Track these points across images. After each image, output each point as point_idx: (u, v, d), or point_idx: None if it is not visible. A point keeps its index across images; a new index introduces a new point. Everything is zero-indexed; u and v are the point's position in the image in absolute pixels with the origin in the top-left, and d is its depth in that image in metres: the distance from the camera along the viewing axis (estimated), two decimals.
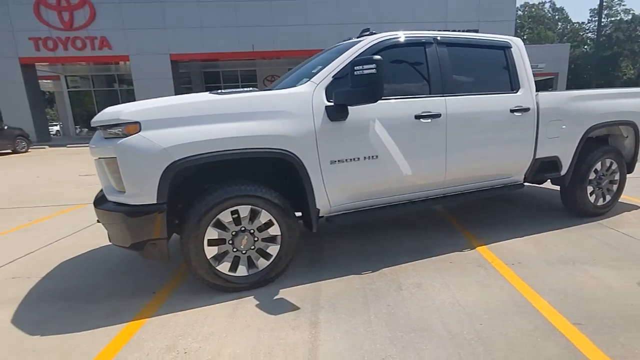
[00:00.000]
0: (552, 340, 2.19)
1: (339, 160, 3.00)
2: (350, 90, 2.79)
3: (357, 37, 3.46)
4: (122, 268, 3.47)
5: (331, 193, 3.05)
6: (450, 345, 2.18)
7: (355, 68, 2.73)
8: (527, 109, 3.64)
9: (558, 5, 72.10)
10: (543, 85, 29.40)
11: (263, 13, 19.65)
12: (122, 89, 24.88)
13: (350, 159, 3.03)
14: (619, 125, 4.25)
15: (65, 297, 2.97)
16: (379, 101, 2.97)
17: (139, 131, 2.55)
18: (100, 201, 2.86)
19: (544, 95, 3.79)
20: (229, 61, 21.87)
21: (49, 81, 27.35)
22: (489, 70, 3.71)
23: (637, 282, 2.80)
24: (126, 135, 2.55)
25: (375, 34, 3.35)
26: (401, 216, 4.70)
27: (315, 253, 3.67)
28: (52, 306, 2.84)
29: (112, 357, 2.21)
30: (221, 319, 2.57)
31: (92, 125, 2.76)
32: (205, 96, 2.85)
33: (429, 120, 3.24)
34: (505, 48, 3.73)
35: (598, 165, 4.15)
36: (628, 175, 4.42)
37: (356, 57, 3.06)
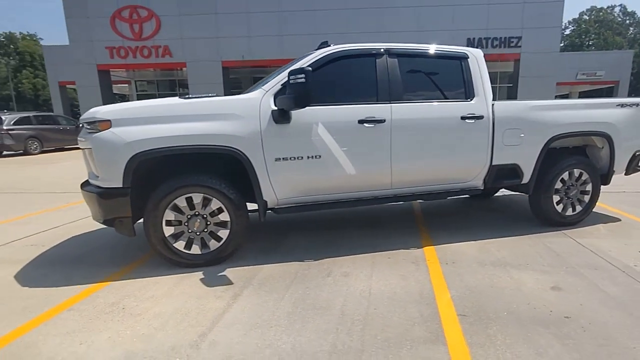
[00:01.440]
0: (426, 325, 2.39)
1: (283, 158, 3.36)
2: (285, 97, 3.16)
3: (316, 49, 3.79)
4: (114, 243, 4.06)
5: (277, 187, 3.41)
6: (335, 322, 2.45)
7: (290, 77, 3.10)
8: (480, 117, 3.75)
9: (630, 9, 65.94)
10: (599, 94, 27.33)
11: (306, 22, 20.30)
12: (181, 92, 26.81)
13: (294, 158, 3.38)
14: (591, 136, 4.19)
15: (59, 262, 3.61)
16: (325, 106, 3.35)
17: (110, 128, 3.09)
18: (84, 184, 3.45)
19: (501, 104, 3.87)
20: (275, 67, 22.80)
21: (124, 85, 30.09)
22: (442, 79, 3.86)
23: (551, 287, 2.86)
24: (100, 131, 3.11)
25: (329, 46, 3.67)
26: (369, 214, 4.94)
27: (274, 242, 4.04)
28: (47, 267, 3.48)
29: (69, 306, 2.74)
30: (166, 286, 3.03)
31: (79, 123, 3.36)
32: (169, 100, 3.35)
33: (373, 125, 3.50)
34: (462, 59, 3.87)
35: (565, 175, 4.12)
36: (630, 190, 4.30)
37: (307, 67, 3.41)
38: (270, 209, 3.59)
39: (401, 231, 4.28)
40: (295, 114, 3.32)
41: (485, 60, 4.03)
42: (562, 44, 57.88)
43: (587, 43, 53.68)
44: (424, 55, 3.83)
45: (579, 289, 2.80)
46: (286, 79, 3.31)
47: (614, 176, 4.33)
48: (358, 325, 2.41)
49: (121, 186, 3.11)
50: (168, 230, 3.28)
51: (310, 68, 3.06)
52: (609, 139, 4.11)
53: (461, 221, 4.65)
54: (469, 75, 3.83)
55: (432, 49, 3.86)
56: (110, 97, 23.90)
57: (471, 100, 3.79)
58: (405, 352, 2.12)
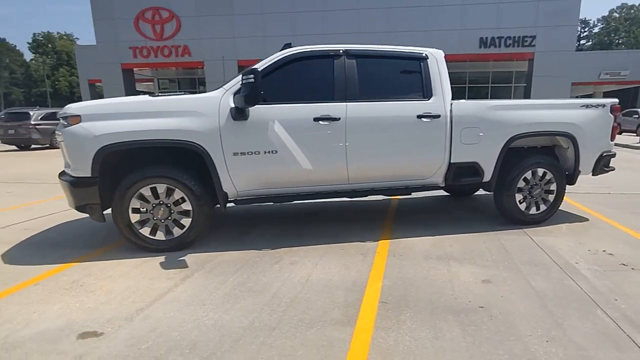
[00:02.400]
0: (345, 310, 2.53)
1: (240, 153, 3.56)
2: (239, 96, 3.36)
3: (280, 51, 3.96)
4: (96, 229, 4.36)
5: (236, 180, 3.62)
6: (264, 303, 2.63)
7: (243, 77, 3.30)
8: (437, 116, 3.84)
9: None
10: (625, 94, 26.21)
11: (318, 22, 20.45)
12: (200, 90, 27.47)
13: (251, 153, 3.57)
14: (555, 137, 4.20)
15: (43, 244, 3.94)
16: (281, 105, 3.55)
17: (80, 122, 3.37)
18: (61, 174, 3.75)
19: (459, 103, 3.94)
20: None
21: (149, 83, 31.09)
22: (401, 79, 3.98)
23: (482, 280, 2.95)
24: (71, 125, 3.39)
25: (292, 47, 3.84)
26: (343, 207, 5.09)
27: (241, 232, 4.25)
28: (30, 248, 3.81)
29: (36, 281, 3.03)
30: (126, 268, 3.28)
31: (58, 117, 3.66)
32: (137, 98, 3.61)
33: (328, 123, 3.65)
34: (421, 59, 3.97)
35: (528, 174, 4.15)
36: (623, 192, 4.30)
37: (263, 68, 3.62)
38: (231, 200, 3.79)
39: (367, 225, 4.41)
40: (253, 111, 3.52)
41: (498, 60, 4.12)
42: (589, 42, 55.89)
43: (616, 41, 51.58)
44: (382, 56, 3.94)
45: (508, 283, 2.88)
46: None
47: (601, 176, 4.35)
48: (283, 307, 2.58)
49: (90, 176, 3.39)
50: (134, 217, 3.53)
51: (259, 69, 3.25)
52: (573, 139, 4.11)
53: (431, 218, 4.73)
54: (428, 76, 3.92)
55: (391, 50, 3.97)
56: (133, 95, 24.80)
57: (429, 99, 3.88)
58: (313, 331, 2.28)
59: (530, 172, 4.14)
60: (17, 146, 16.14)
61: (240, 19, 21.88)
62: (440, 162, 3.95)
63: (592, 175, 4.38)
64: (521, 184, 4.16)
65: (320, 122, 3.64)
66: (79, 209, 3.55)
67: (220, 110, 3.50)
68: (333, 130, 3.68)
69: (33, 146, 15.90)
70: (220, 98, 3.54)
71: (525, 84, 20.96)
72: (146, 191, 3.50)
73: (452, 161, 3.96)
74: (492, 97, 21.38)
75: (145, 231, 3.58)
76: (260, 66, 3.66)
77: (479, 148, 3.97)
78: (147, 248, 3.60)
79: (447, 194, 5.85)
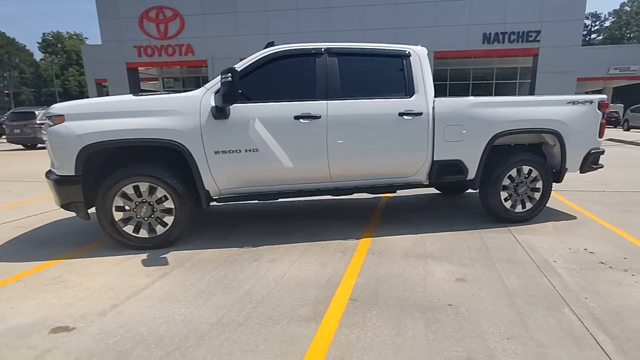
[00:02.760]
0: (314, 307, 2.56)
1: (222, 151, 3.60)
2: (218, 95, 3.40)
3: (263, 48, 3.99)
4: (86, 227, 4.44)
5: (217, 178, 3.66)
6: (235, 300, 2.67)
7: (222, 76, 3.34)
8: (419, 113, 3.84)
9: None
10: (636, 89, 25.68)
11: (322, 19, 20.43)
12: None
13: (232, 151, 3.61)
14: (541, 134, 4.18)
15: (32, 242, 4.03)
16: (262, 103, 3.59)
17: (64, 122, 3.44)
18: (47, 173, 3.83)
19: (442, 100, 3.94)
20: None
21: (156, 82, 31.33)
22: (383, 77, 3.98)
23: (456, 278, 2.96)
24: (55, 124, 3.46)
25: (274, 45, 3.88)
26: (332, 205, 5.11)
27: (228, 229, 4.30)
28: (20, 246, 3.90)
29: (20, 277, 3.11)
30: (108, 265, 3.35)
31: (44, 117, 3.73)
32: (120, 97, 3.67)
33: (308, 121, 3.68)
34: (404, 57, 3.97)
35: (513, 172, 4.13)
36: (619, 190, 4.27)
37: (244, 67, 3.66)
38: (214, 198, 3.84)
39: (352, 222, 4.44)
40: (234, 110, 3.56)
41: (503, 56, 4.12)
42: (600, 37, 54.91)
43: (628, 35, 50.62)
44: (364, 54, 3.96)
45: (481, 281, 2.88)
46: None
47: (600, 174, 4.32)
48: (253, 304, 2.63)
49: (73, 174, 3.46)
50: (118, 215, 3.60)
51: (238, 68, 3.29)
52: (559, 136, 4.09)
53: (418, 215, 4.73)
54: (410, 73, 3.92)
55: (373, 47, 3.98)
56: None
57: (411, 97, 3.89)
58: (278, 327, 2.32)
59: (515, 169, 4.13)
60: (24, 145, 16.42)
61: (244, 16, 21.98)
62: (422, 159, 3.95)
63: (580, 172, 4.35)
64: (506, 181, 4.15)
65: (301, 120, 3.67)
66: (64, 207, 3.62)
67: (202, 109, 3.54)
68: (314, 128, 3.70)
69: (39, 145, 16.15)
70: (202, 97, 3.58)
71: (530, 80, 20.75)
72: (129, 189, 3.56)
73: (435, 159, 3.97)
74: (496, 94, 21.20)
75: (129, 229, 3.64)
76: (240, 65, 3.71)
77: (463, 146, 3.97)
78: (130, 245, 3.67)
79: (437, 191, 5.84)
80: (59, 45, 73.86)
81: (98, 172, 3.65)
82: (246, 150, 3.63)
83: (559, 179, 4.31)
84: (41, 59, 74.28)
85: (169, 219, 3.68)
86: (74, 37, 75.42)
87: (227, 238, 4.03)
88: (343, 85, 3.80)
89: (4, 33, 68.78)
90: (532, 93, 19.26)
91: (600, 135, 4.25)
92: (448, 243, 3.71)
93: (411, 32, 18.24)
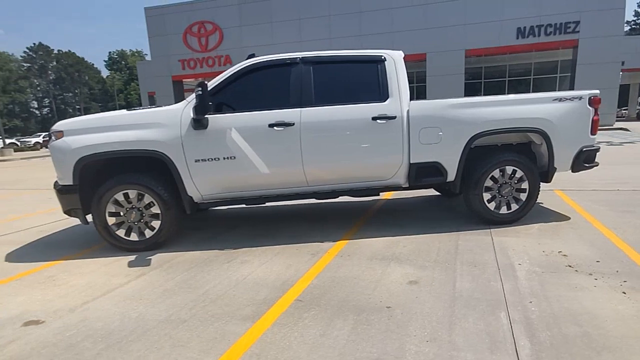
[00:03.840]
0: (258, 306, 2.66)
1: (202, 160, 3.81)
2: (193, 107, 3.61)
3: (245, 59, 4.15)
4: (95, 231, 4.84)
5: (199, 185, 3.87)
6: (192, 299, 2.84)
7: (196, 90, 3.54)
8: (392, 117, 3.83)
9: None
10: None
11: (352, 24, 20.44)
12: None
13: (211, 159, 3.81)
14: (526, 133, 4.00)
15: (45, 245, 4.46)
16: (237, 113, 3.78)
17: (63, 137, 3.80)
18: (54, 183, 4.23)
19: (417, 103, 3.90)
20: None
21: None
22: (358, 83, 3.99)
23: (409, 281, 2.94)
24: (56, 139, 3.84)
25: (255, 57, 4.04)
26: (327, 208, 5.18)
27: (218, 232, 4.51)
28: (33, 248, 4.34)
29: (19, 277, 3.48)
30: (97, 265, 3.65)
31: (49, 133, 4.15)
32: (112, 113, 3.99)
33: (282, 129, 3.79)
34: (378, 62, 3.97)
35: (496, 173, 3.99)
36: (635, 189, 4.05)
37: (222, 80, 3.86)
38: (197, 203, 4.05)
39: (338, 224, 4.50)
40: (212, 120, 3.75)
41: (540, 50, 4.04)
42: None
43: None
44: (338, 62, 4.01)
45: (433, 284, 2.84)
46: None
47: (620, 171, 4.11)
48: (206, 303, 2.78)
49: (72, 184, 3.81)
50: (111, 220, 3.91)
51: (205, 82, 3.48)
52: (544, 135, 3.90)
53: (408, 217, 4.69)
54: (385, 78, 3.92)
55: (347, 54, 4.02)
56: None
57: (385, 101, 3.88)
58: (215, 325, 2.45)
59: (498, 170, 3.98)
60: None
61: (279, 26, 22.53)
62: (398, 162, 3.93)
63: (572, 172, 4.11)
64: (489, 182, 4.01)
65: (275, 127, 3.79)
66: (67, 212, 4.00)
67: (182, 121, 3.77)
68: (288, 135, 3.81)
69: None
70: (182, 110, 3.81)
71: (570, 73, 19.46)
72: (120, 197, 3.86)
73: (411, 161, 3.93)
74: (534, 90, 20.07)
75: (121, 232, 3.94)
76: (220, 77, 3.90)
77: (440, 148, 3.90)
78: (123, 248, 3.96)
79: (437, 193, 5.72)
80: (123, 62, 79.43)
81: (93, 182, 3.97)
82: (224, 158, 3.81)
83: (547, 179, 4.10)
84: (107, 76, 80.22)
85: (156, 224, 3.94)
86: (136, 54, 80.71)
87: (214, 240, 4.23)
88: (317, 93, 3.88)
89: (74, 53, 75.27)
90: (572, 87, 18.07)
91: (593, 132, 4.00)
92: (421, 245, 3.67)
93: (441, 31, 17.82)
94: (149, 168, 3.96)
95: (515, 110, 3.88)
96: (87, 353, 2.22)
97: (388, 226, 4.35)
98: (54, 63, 74.54)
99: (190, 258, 3.72)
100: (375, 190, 4.13)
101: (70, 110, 73.82)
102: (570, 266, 2.99)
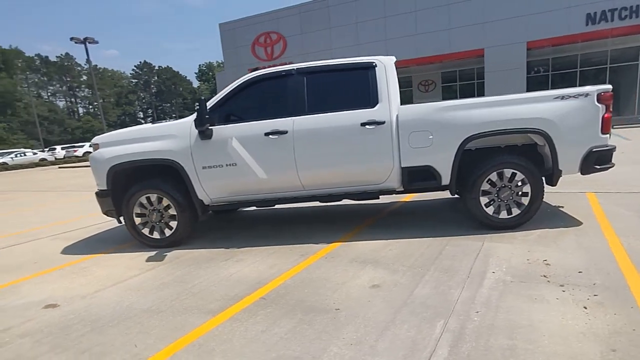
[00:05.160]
0: (225, 302, 2.85)
1: (208, 167, 4.12)
2: (193, 120, 3.93)
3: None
4: None
5: (207, 189, 4.20)
6: (179, 291, 3.12)
7: (195, 105, 3.86)
8: (381, 122, 3.80)
9: None
10: None
11: (408, 24, 19.87)
12: None
13: (216, 166, 4.11)
14: (527, 134, 3.70)
15: (95, 241, 5.12)
16: (238, 124, 4.04)
17: (98, 149, 4.37)
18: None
19: (407, 107, 3.81)
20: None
21: None
22: (349, 90, 4.01)
23: (373, 284, 2.92)
24: (94, 151, 4.42)
25: (258, 70, 4.27)
26: (339, 210, 5.24)
27: (232, 233, 4.82)
28: (85, 243, 5.02)
29: (60, 268, 4.07)
30: (123, 260, 4.13)
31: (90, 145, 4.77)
32: (139, 127, 4.48)
33: (277, 137, 3.96)
34: (370, 68, 3.95)
35: (493, 176, 3.76)
36: None
37: (225, 94, 4.14)
38: (207, 206, 4.37)
39: (341, 227, 4.55)
40: (215, 131, 4.05)
41: (616, 36, 3.83)
42: None
43: None
44: (331, 70, 4.06)
45: (393, 289, 2.81)
46: (212, 104, 4.10)
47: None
48: (187, 296, 3.05)
49: (106, 189, 4.36)
50: (137, 220, 4.40)
51: (203, 98, 3.78)
52: (545, 136, 3.58)
53: (414, 221, 4.59)
54: (375, 84, 3.90)
55: (339, 63, 4.07)
56: None
57: (374, 107, 3.86)
58: (182, 317, 2.69)
59: (495, 173, 3.75)
60: None
61: (337, 31, 22.74)
62: (389, 167, 3.89)
63: (582, 174, 3.71)
64: (486, 186, 3.79)
65: (271, 136, 3.97)
66: (105, 213, 4.56)
67: (191, 132, 4.11)
68: (282, 142, 3.97)
69: None
70: (192, 122, 4.15)
71: None
72: (143, 200, 4.33)
73: (403, 166, 3.86)
74: (610, 80, 17.76)
75: (146, 231, 4.41)
76: (223, 92, 4.19)
77: (432, 151, 3.78)
78: (147, 244, 4.43)
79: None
80: (210, 73, 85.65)
81: (125, 187, 4.49)
82: (226, 165, 4.08)
83: (552, 182, 3.76)
84: (197, 86, 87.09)
85: (173, 224, 4.34)
86: (221, 65, 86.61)
87: (226, 239, 4.54)
88: (310, 102, 3.99)
89: (171, 68, 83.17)
90: None
91: (604, 131, 3.58)
92: (407, 249, 3.60)
93: (500, 25, 16.62)
94: (167, 175, 4.38)
95: (511, 111, 3.62)
96: (74, 334, 2.60)
97: (388, 229, 4.30)
98: (155, 78, 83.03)
99: (197, 255, 4.04)
100: (369, 195, 4.12)
101: (168, 119, 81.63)
102: (545, 276, 2.76)
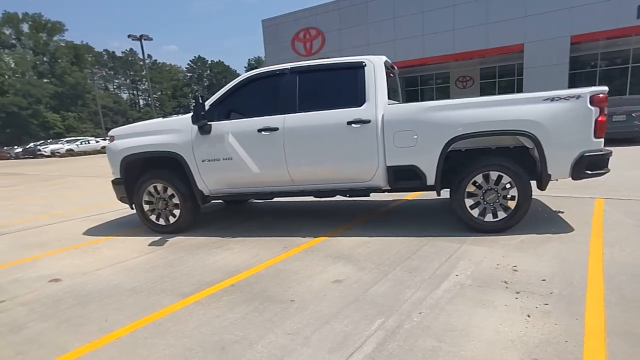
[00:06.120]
0: (196, 286, 3.02)
1: (207, 160, 4.32)
2: (190, 116, 4.13)
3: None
4: None
5: (206, 181, 4.40)
6: (163, 274, 3.34)
7: (192, 101, 4.05)
8: (367, 121, 3.79)
9: None
10: None
11: (446, 19, 19.14)
12: None
13: (213, 159, 4.29)
14: (515, 136, 3.53)
15: (113, 224, 5.52)
16: (234, 120, 4.21)
17: (114, 141, 4.71)
18: None
19: (392, 107, 3.76)
20: (419, 66, 22.29)
21: None
22: (338, 89, 4.02)
23: (336, 280, 2.96)
24: (109, 143, 4.77)
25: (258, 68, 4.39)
26: (331, 207, 5.27)
27: (235, 222, 5.01)
28: (109, 225, 5.43)
29: (78, 247, 4.46)
30: (132, 243, 4.43)
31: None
32: (149, 121, 4.76)
33: (269, 133, 4.07)
34: (359, 68, 3.94)
35: (479, 178, 3.64)
36: None
37: (225, 91, 4.30)
38: (207, 196, 4.58)
39: (333, 222, 4.60)
40: (214, 127, 4.24)
41: None
42: None
43: None
44: (322, 69, 4.10)
45: (353, 285, 2.84)
46: (213, 100, 4.30)
47: None
48: (168, 279, 3.25)
49: (120, 177, 4.69)
50: (146, 207, 4.70)
51: (200, 95, 3.95)
52: (533, 138, 3.41)
53: (408, 220, 4.53)
54: (363, 83, 3.89)
55: (330, 62, 4.09)
56: None
57: (361, 106, 3.86)
58: (155, 297, 2.88)
59: (481, 175, 3.63)
60: None
61: (374, 27, 22.38)
62: (374, 165, 3.87)
63: (573, 179, 3.49)
64: (471, 188, 3.68)
65: (263, 132, 4.09)
66: (120, 200, 4.92)
67: (193, 127, 4.32)
68: (273, 139, 4.07)
69: None
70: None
71: None
72: (151, 188, 4.62)
73: (388, 164, 3.84)
74: None
75: (153, 217, 4.71)
76: (223, 89, 4.35)
77: (416, 151, 3.72)
78: (155, 230, 4.73)
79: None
80: (258, 67, 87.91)
81: (136, 176, 4.80)
82: (223, 159, 4.26)
83: (540, 186, 3.58)
84: None
85: (177, 212, 4.60)
86: None
87: (226, 229, 4.73)
88: (300, 100, 4.06)
89: (223, 62, 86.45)
90: None
91: (598, 134, 3.34)
92: (385, 248, 3.58)
93: (541, 18, 15.55)
94: (172, 166, 4.62)
95: (498, 112, 3.47)
96: (63, 306, 2.87)
97: (377, 227, 4.29)
98: (208, 71, 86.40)
99: (195, 242, 4.26)
100: (361, 192, 4.13)
101: None
102: (506, 282, 2.66)
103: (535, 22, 15.71)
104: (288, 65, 4.20)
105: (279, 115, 4.07)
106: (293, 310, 2.52)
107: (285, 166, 4.10)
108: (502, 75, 20.87)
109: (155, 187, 4.60)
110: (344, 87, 4.01)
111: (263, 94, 4.30)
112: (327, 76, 4.12)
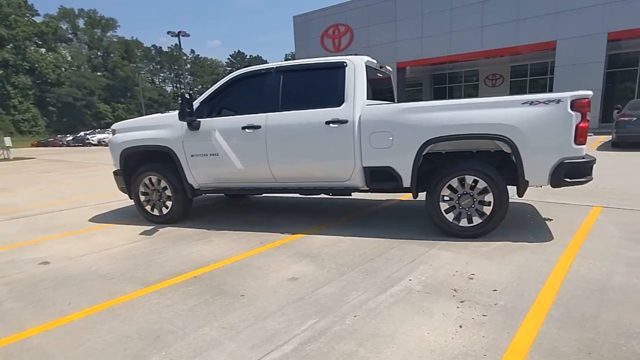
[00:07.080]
0: (165, 276, 3.13)
1: (196, 155, 4.44)
2: (177, 113, 4.25)
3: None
4: None
5: (195, 175, 4.53)
6: (142, 263, 3.48)
7: (179, 99, 4.17)
8: (344, 121, 3.76)
9: None
10: None
11: (474, 16, 18.41)
12: None
13: (201, 154, 4.41)
14: (492, 140, 3.38)
15: (117, 212, 5.80)
16: (221, 117, 4.29)
17: (115, 134, 4.94)
18: None
19: (369, 107, 3.70)
20: (446, 64, 21.65)
21: None
22: (319, 89, 3.99)
23: (292, 277, 2.98)
24: (111, 136, 5.00)
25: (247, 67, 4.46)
26: (325, 204, 5.26)
27: (229, 216, 5.13)
28: (110, 214, 5.70)
29: (80, 232, 4.73)
30: (127, 231, 4.64)
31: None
32: (150, 116, 4.95)
33: (252, 131, 4.12)
34: (340, 68, 3.90)
35: (454, 182, 3.52)
36: None
37: (214, 90, 4.39)
38: (196, 189, 4.70)
39: (317, 220, 4.61)
40: (202, 123, 4.34)
41: None
42: None
43: None
44: (305, 69, 4.09)
45: (306, 284, 2.84)
46: (203, 98, 4.40)
47: None
48: (143, 267, 3.39)
49: (119, 169, 4.92)
50: (142, 198, 4.91)
51: (185, 93, 4.05)
52: (509, 143, 3.26)
53: (391, 221, 4.46)
54: (342, 83, 3.85)
55: (313, 62, 4.08)
56: None
57: (340, 106, 3.82)
58: (123, 284, 3.02)
59: (456, 179, 3.51)
60: None
61: (402, 23, 21.98)
62: (351, 165, 3.84)
63: (552, 187, 3.31)
64: (446, 191, 3.57)
65: (246, 130, 4.15)
66: (120, 190, 5.15)
67: (184, 123, 4.45)
68: (255, 136, 4.13)
69: None
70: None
71: None
72: (147, 180, 4.81)
73: (364, 165, 3.79)
74: None
75: (148, 208, 4.90)
76: (212, 87, 4.45)
77: (392, 153, 3.66)
78: (150, 220, 4.92)
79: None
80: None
81: (134, 168, 5.01)
82: (210, 154, 4.36)
83: (519, 192, 3.41)
84: None
85: (169, 204, 4.77)
86: None
87: (216, 222, 4.85)
88: (283, 99, 4.08)
89: (261, 57, 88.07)
90: None
91: (578, 141, 3.14)
92: (353, 248, 3.55)
93: (575, 14, 14.64)
94: (165, 160, 4.78)
95: (474, 115, 3.34)
96: (39, 287, 3.07)
97: (357, 226, 4.26)
98: (246, 66, 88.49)
99: (181, 234, 4.41)
100: (336, 191, 4.11)
101: None
102: (455, 290, 2.58)
103: (568, 19, 14.83)
104: (273, 65, 4.22)
105: (262, 114, 4.11)
106: (239, 305, 2.57)
107: (267, 163, 4.14)
108: (534, 74, 19.90)
109: (150, 179, 4.78)
110: (325, 87, 3.99)
111: (249, 92, 4.36)
112: (310, 76, 4.11)
